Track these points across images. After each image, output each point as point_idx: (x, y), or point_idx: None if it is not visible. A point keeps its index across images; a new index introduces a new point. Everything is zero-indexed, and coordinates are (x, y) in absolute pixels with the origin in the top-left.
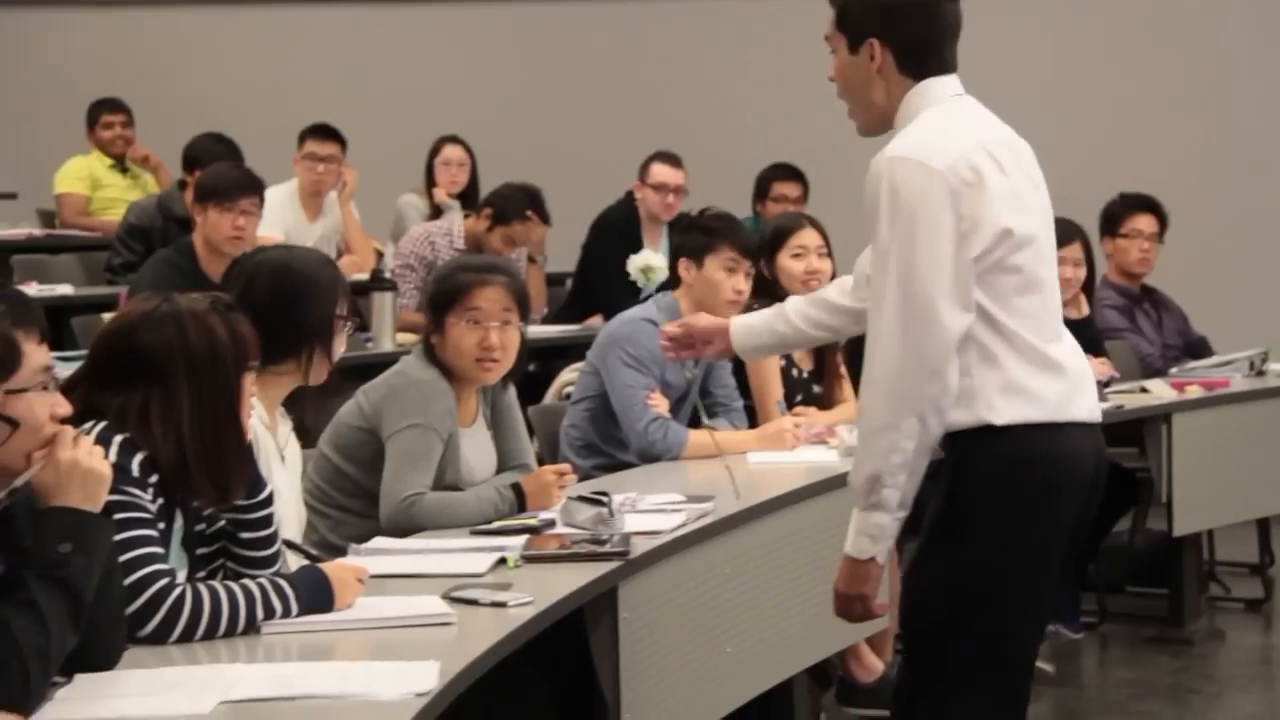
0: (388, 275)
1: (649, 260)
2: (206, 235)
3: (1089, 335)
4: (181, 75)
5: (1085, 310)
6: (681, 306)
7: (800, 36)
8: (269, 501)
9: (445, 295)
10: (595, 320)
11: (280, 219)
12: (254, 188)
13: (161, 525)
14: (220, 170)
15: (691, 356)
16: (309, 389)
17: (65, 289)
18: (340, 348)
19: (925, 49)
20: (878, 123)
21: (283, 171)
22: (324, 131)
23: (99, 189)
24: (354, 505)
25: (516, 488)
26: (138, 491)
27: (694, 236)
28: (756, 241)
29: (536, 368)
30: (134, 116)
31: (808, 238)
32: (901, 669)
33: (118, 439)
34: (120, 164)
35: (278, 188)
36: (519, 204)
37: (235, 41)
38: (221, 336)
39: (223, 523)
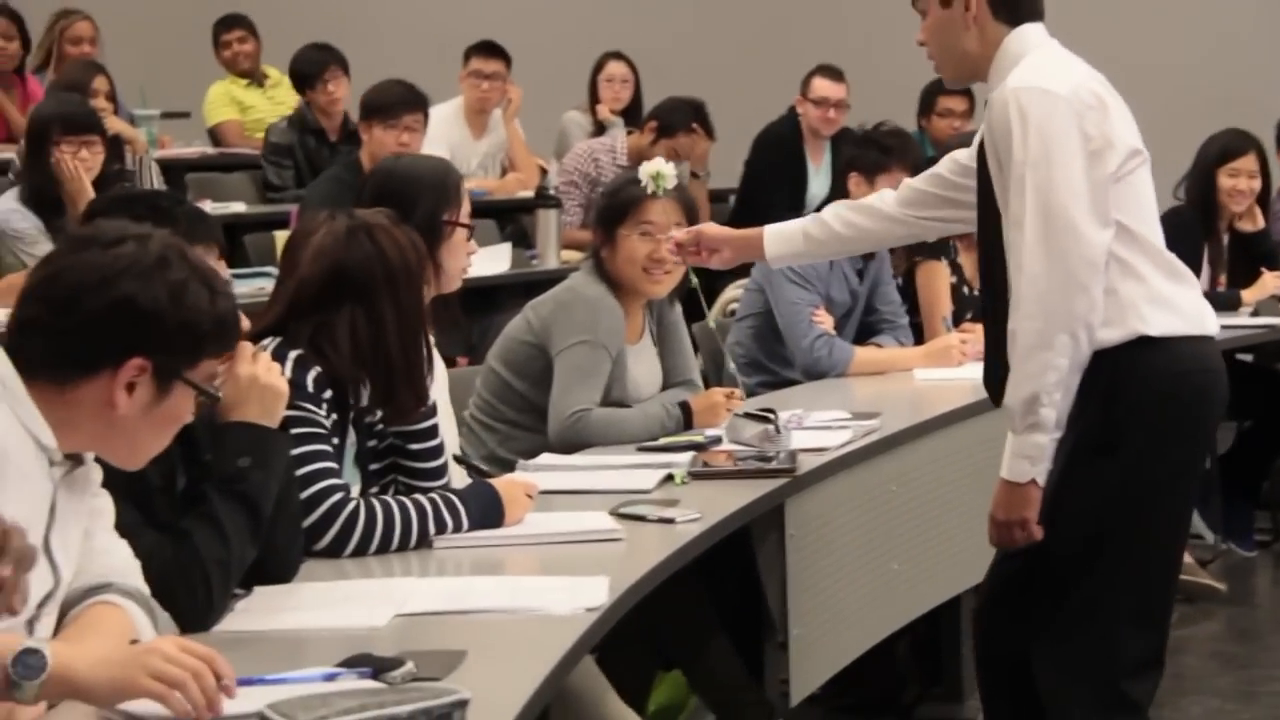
0: (552, 192)
1: (658, 167)
2: (372, 152)
3: (1265, 248)
4: None
5: (1260, 223)
6: None
7: None
8: (434, 412)
9: (617, 208)
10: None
11: (445, 136)
12: (418, 104)
13: (335, 441)
14: (384, 87)
15: (698, 263)
16: (452, 306)
17: (238, 206)
18: (458, 257)
19: None
20: (969, 73)
21: (445, 89)
22: (489, 49)
23: (247, 111)
24: (523, 420)
25: (684, 406)
26: (313, 407)
27: (869, 153)
28: (925, 160)
29: (701, 284)
30: (256, 30)
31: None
32: (999, 578)
33: (292, 354)
34: (255, 79)
35: (443, 105)
36: (684, 117)
37: None
38: (408, 249)
39: (391, 439)
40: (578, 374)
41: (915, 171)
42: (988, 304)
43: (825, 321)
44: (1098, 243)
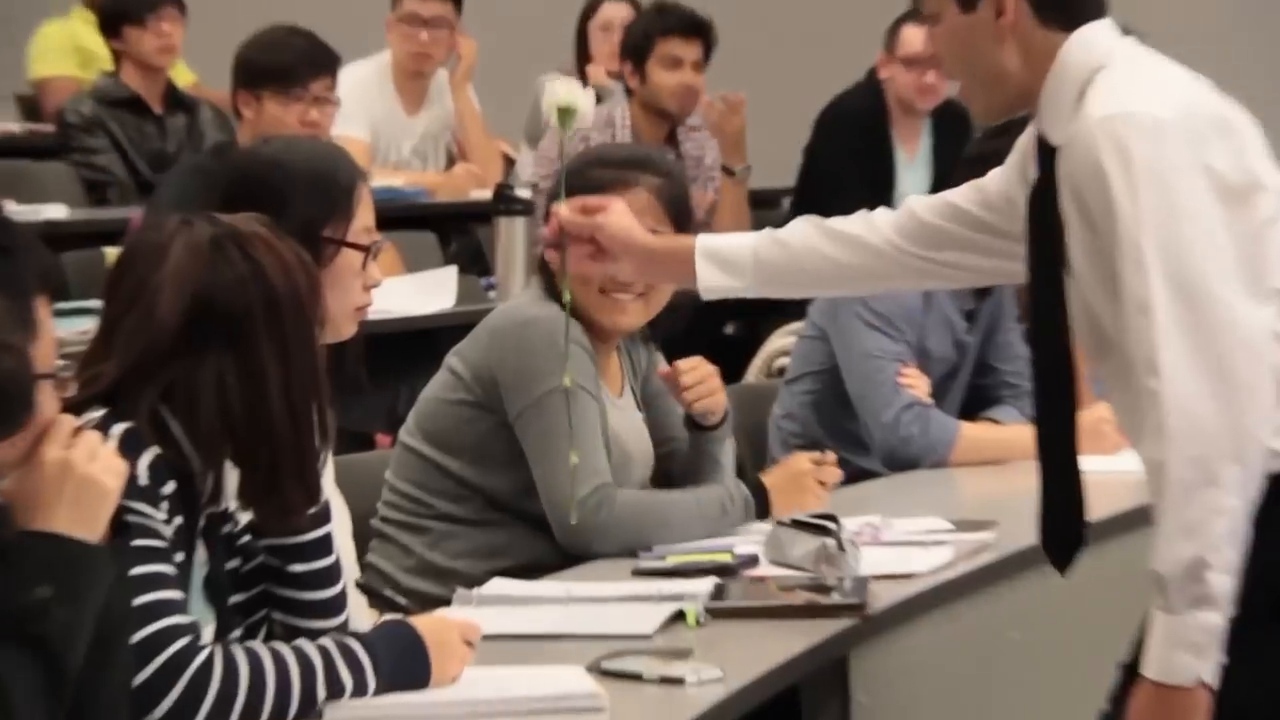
0: (521, 193)
1: (569, 94)
2: (260, 133)
3: None
4: None
5: None
6: None
7: None
8: (326, 515)
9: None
10: None
11: (365, 110)
12: (327, 64)
13: (179, 558)
14: (274, 39)
15: (586, 270)
16: (350, 361)
17: (55, 210)
18: (348, 290)
19: None
20: (1012, 100)
21: (362, 40)
22: None
23: (90, 66)
24: (461, 510)
25: (756, 486)
26: (148, 509)
27: (988, 141)
28: None
29: (736, 329)
30: None
31: None
32: None
33: (118, 429)
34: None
35: (360, 64)
36: (669, 20)
37: None
38: (297, 268)
39: (263, 557)
40: (564, 437)
41: None
42: (1042, 417)
43: (918, 385)
44: (1256, 321)
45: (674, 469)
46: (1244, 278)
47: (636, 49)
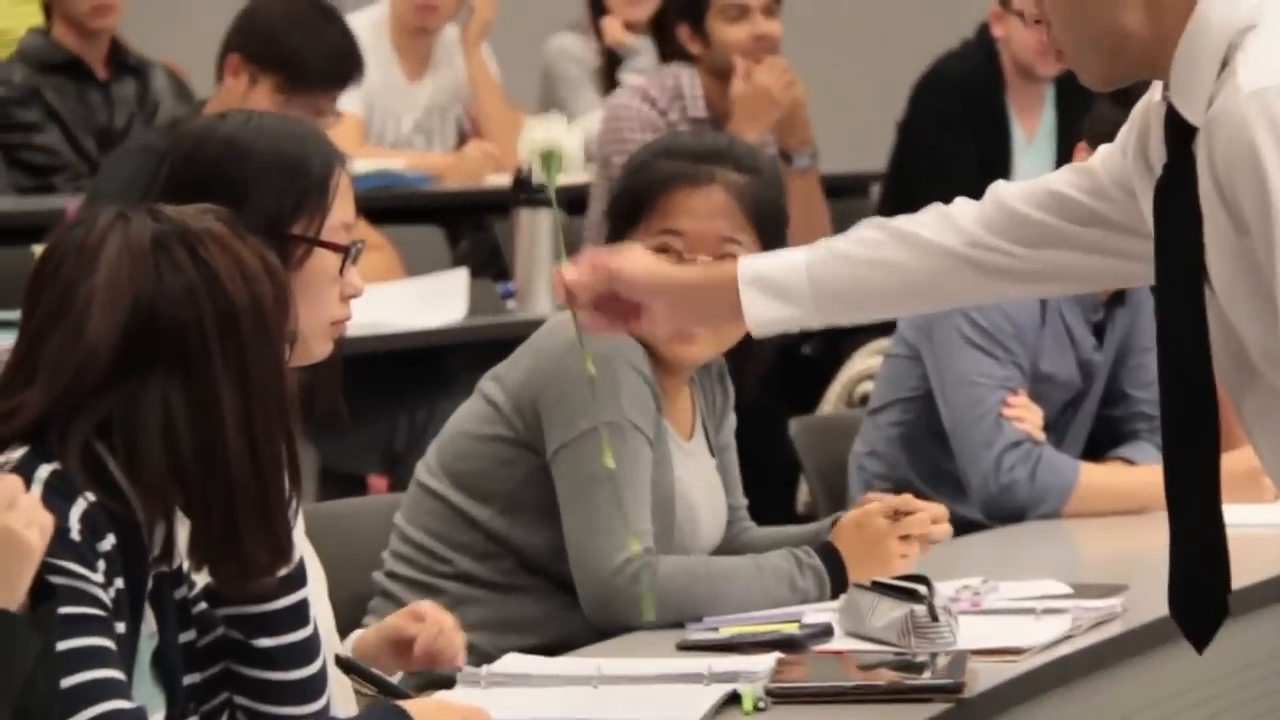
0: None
1: (550, 136)
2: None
3: None
4: None
5: None
6: None
7: None
8: (300, 578)
9: (632, 197)
10: None
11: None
12: (353, 76)
13: (121, 629)
14: (306, 20)
15: (607, 331)
16: (328, 385)
17: None
18: (322, 301)
19: None
20: (1134, 66)
21: None
22: None
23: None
24: (486, 571)
25: (826, 550)
26: (81, 569)
27: (1110, 110)
28: None
29: (814, 348)
30: None
31: None
32: None
33: (44, 471)
34: None
35: (352, 18)
36: None
37: None
38: (258, 273)
39: (222, 629)
40: (608, 487)
41: None
42: (1174, 459)
43: (1028, 417)
44: None
45: (724, 539)
46: None
47: (690, 4)
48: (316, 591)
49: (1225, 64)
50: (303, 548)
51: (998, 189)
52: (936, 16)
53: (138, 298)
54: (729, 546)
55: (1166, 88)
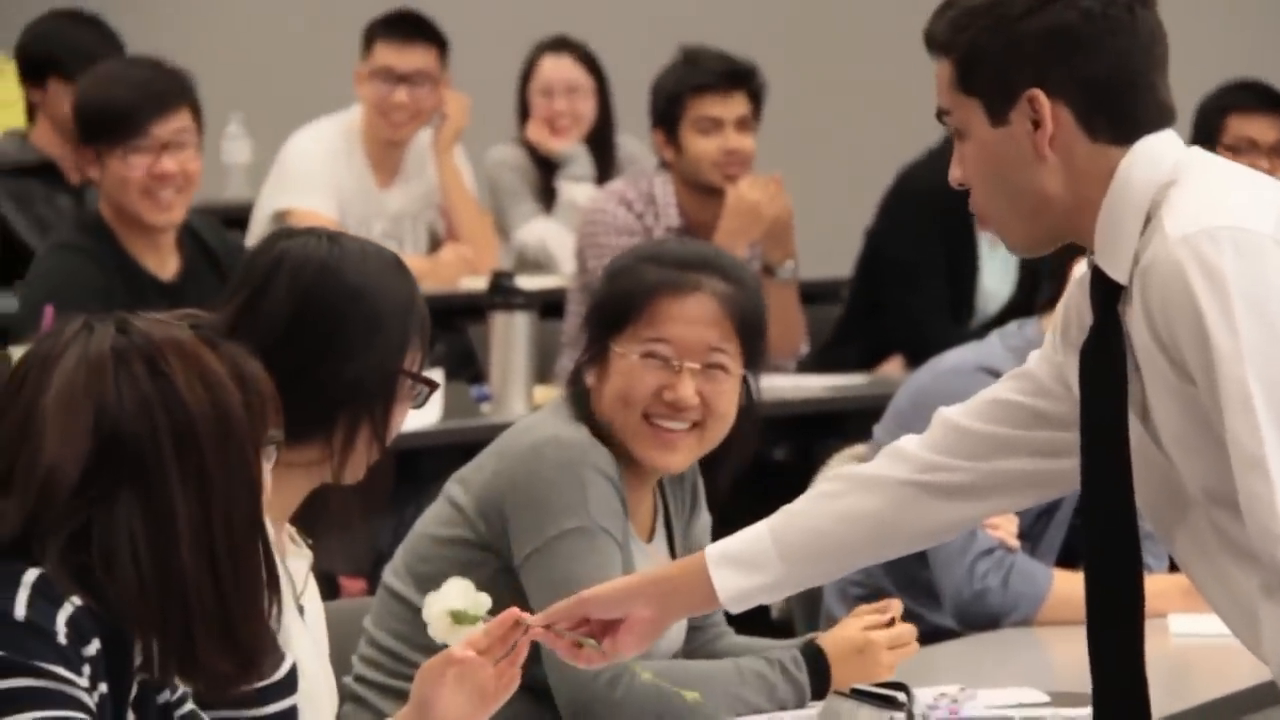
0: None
1: (463, 595)
2: (113, 198)
3: None
4: None
5: None
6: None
7: None
8: (291, 684)
9: (617, 301)
10: (892, 367)
11: (332, 181)
12: (177, 95)
13: None
14: (110, 76)
15: (591, 661)
16: (339, 496)
17: None
18: (398, 423)
19: (1129, 92)
20: (1057, 229)
21: (329, 96)
22: (406, 28)
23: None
24: None
25: (810, 651)
26: (65, 672)
27: None
28: None
29: (786, 453)
30: None
31: None
32: None
33: (29, 577)
34: None
35: (325, 123)
36: (705, 71)
37: None
38: (228, 386)
39: None
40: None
41: None
42: (1096, 589)
43: (1002, 524)
44: None
45: (695, 645)
46: None
47: (666, 114)
48: (314, 653)
49: (1149, 220)
50: (308, 646)
51: (942, 413)
52: (901, 125)
53: (98, 413)
54: (706, 651)
55: (1091, 252)
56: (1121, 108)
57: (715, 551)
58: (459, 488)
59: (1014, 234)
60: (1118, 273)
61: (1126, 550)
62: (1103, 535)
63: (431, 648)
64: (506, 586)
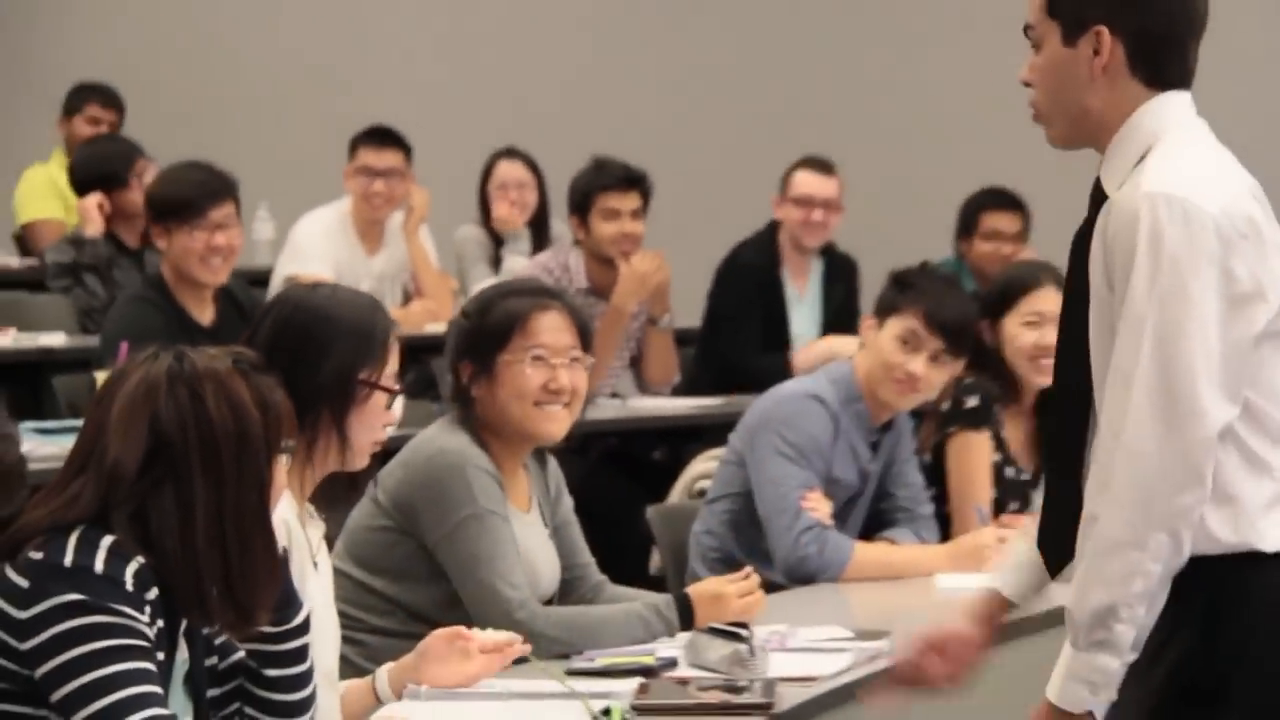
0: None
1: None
2: (175, 264)
3: None
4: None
5: None
6: (859, 378)
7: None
8: (305, 628)
9: (496, 327)
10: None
11: (330, 252)
12: (224, 191)
13: (161, 656)
14: (176, 175)
15: (930, 685)
16: (341, 481)
17: (54, 338)
18: (372, 427)
19: (1169, 48)
20: (1084, 134)
21: (328, 190)
22: (381, 137)
23: (73, 210)
24: (389, 624)
25: (682, 598)
26: (132, 611)
27: (887, 290)
28: (962, 315)
29: (663, 455)
30: (120, 99)
31: (1046, 302)
32: None
33: (105, 541)
34: None
35: (324, 210)
36: (606, 176)
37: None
38: (249, 408)
39: (240, 654)
40: (483, 563)
41: (934, 327)
42: (1058, 447)
43: (819, 508)
44: (1217, 421)
45: (578, 595)
46: (1224, 380)
47: (579, 204)
48: (323, 600)
49: (1139, 162)
50: (318, 594)
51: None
52: (744, 211)
53: (152, 421)
54: (590, 599)
55: (1102, 161)
56: (1159, 59)
57: (1008, 565)
58: (376, 489)
59: (1055, 128)
60: (1110, 187)
61: (1078, 398)
62: (1069, 377)
63: (371, 607)
64: (420, 559)
